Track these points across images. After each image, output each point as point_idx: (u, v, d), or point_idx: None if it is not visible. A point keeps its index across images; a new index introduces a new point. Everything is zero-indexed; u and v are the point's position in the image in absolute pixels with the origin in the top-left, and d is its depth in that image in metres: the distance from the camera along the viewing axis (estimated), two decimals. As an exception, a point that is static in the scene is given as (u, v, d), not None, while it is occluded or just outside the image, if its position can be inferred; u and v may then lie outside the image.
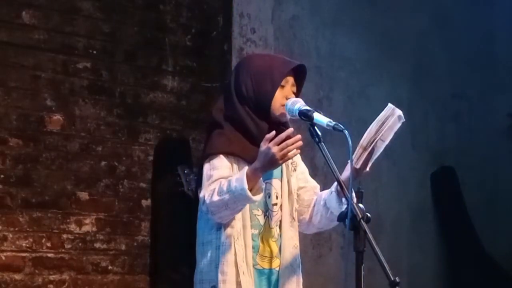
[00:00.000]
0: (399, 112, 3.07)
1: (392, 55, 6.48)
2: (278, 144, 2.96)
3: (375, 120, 3.07)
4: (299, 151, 3.03)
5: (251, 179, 2.98)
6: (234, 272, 3.09)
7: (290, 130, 3.01)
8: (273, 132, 2.99)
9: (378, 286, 3.29)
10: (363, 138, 3.08)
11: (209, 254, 3.14)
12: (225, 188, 3.01)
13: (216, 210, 3.05)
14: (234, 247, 3.09)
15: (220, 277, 3.08)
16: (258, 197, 3.02)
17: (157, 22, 5.17)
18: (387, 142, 3.11)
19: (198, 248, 3.21)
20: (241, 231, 3.11)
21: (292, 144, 2.97)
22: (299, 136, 2.99)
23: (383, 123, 3.06)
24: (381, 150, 3.12)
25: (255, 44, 5.60)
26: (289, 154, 2.98)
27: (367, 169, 3.13)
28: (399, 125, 3.09)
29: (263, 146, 2.98)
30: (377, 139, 3.06)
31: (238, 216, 3.10)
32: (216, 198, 3.02)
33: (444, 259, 6.89)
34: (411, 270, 6.45)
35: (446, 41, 6.92)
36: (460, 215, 6.88)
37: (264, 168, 3.00)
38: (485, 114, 7.15)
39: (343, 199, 3.12)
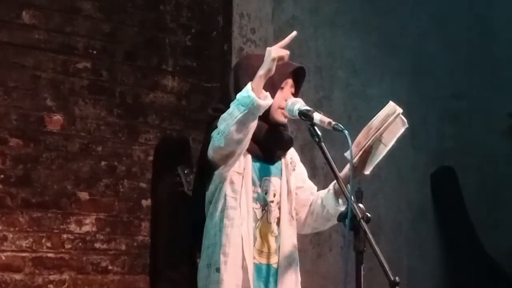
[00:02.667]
0: (400, 110, 3.07)
1: (392, 55, 6.49)
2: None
3: (375, 117, 3.08)
4: (293, 163, 3.10)
5: (255, 86, 2.99)
6: (239, 255, 3.09)
7: (294, 33, 3.11)
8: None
9: (378, 286, 3.29)
10: (359, 135, 3.09)
11: (213, 237, 3.15)
12: (231, 106, 3.03)
13: (224, 126, 3.03)
14: (240, 230, 3.09)
15: (222, 258, 3.09)
16: (265, 103, 3.02)
17: (157, 22, 5.17)
18: (389, 147, 3.11)
19: (204, 234, 3.22)
20: (245, 216, 3.12)
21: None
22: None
23: (383, 121, 3.06)
24: (383, 154, 3.12)
25: (255, 44, 5.60)
26: (283, 53, 3.03)
27: (367, 172, 3.14)
28: (402, 130, 3.09)
29: None
30: (376, 135, 3.06)
31: (242, 200, 3.10)
32: (224, 115, 3.04)
33: (444, 259, 6.89)
34: (411, 270, 6.45)
35: (446, 41, 6.92)
36: (460, 215, 6.88)
37: (264, 68, 3.01)
38: (485, 114, 7.15)
39: (340, 199, 3.14)
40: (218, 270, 3.11)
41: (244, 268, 3.09)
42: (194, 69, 5.32)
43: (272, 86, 3.16)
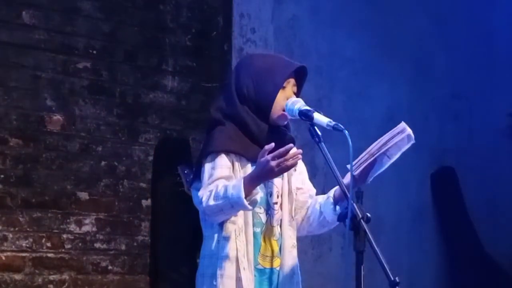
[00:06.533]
0: (409, 131, 3.09)
1: (392, 55, 6.48)
2: (277, 158, 2.96)
3: (384, 135, 3.10)
4: (297, 163, 3.06)
5: (248, 187, 2.99)
6: (234, 267, 3.09)
7: (290, 146, 3.00)
8: (272, 144, 2.99)
9: (378, 286, 3.29)
10: (370, 147, 3.10)
11: (210, 249, 3.15)
12: (221, 194, 3.01)
13: (211, 213, 3.07)
14: (236, 242, 3.09)
15: (218, 271, 3.09)
16: (252, 207, 3.04)
17: (157, 22, 5.17)
18: (393, 160, 3.14)
19: (203, 242, 3.22)
20: (242, 227, 3.12)
21: (291, 158, 2.97)
22: (299, 151, 3.00)
23: (392, 137, 3.08)
24: (386, 166, 3.15)
25: (255, 44, 5.60)
26: (288, 169, 3.00)
27: (368, 182, 3.16)
28: (407, 146, 3.11)
29: (262, 157, 2.99)
30: (381, 151, 3.08)
31: (240, 212, 3.11)
32: (212, 202, 3.04)
33: (444, 259, 6.89)
34: (411, 270, 6.45)
35: (446, 41, 6.91)
36: (460, 215, 6.88)
37: (261, 179, 3.03)
38: (485, 114, 7.14)
39: (338, 207, 3.15)
40: (214, 283, 3.12)
41: (238, 279, 3.09)
42: (194, 69, 5.32)
43: (274, 85, 3.16)
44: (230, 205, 3.00)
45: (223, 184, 3.04)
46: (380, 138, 3.10)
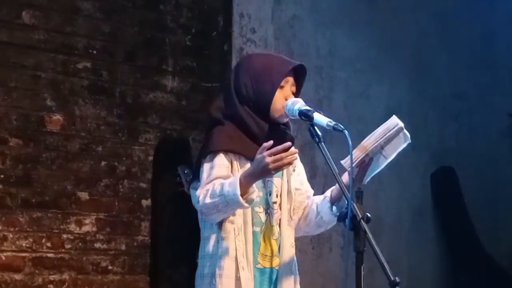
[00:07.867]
0: (401, 124, 3.08)
1: (392, 55, 6.48)
2: (274, 155, 2.96)
3: (376, 130, 3.09)
4: (294, 163, 3.08)
5: (244, 185, 2.99)
6: (234, 267, 3.09)
7: (288, 144, 3.00)
8: (271, 142, 2.99)
9: (378, 286, 3.29)
10: (358, 146, 3.09)
11: (209, 249, 3.16)
12: (217, 191, 3.02)
13: (208, 212, 3.07)
14: (235, 242, 3.10)
15: (217, 271, 3.10)
16: (248, 205, 3.04)
17: (157, 22, 5.17)
18: (389, 160, 3.13)
19: (201, 242, 3.22)
20: (241, 227, 3.12)
21: (287, 157, 2.97)
22: (295, 150, 3.00)
23: (385, 132, 3.07)
24: (382, 166, 3.14)
25: (255, 44, 5.60)
26: (283, 167, 3.00)
27: (365, 182, 3.16)
28: (404, 145, 3.11)
29: (259, 154, 2.99)
30: (375, 145, 3.07)
31: (239, 211, 3.11)
32: (208, 200, 3.04)
33: (444, 259, 6.89)
34: (411, 270, 6.45)
35: (446, 41, 6.92)
36: (460, 215, 6.88)
37: (256, 175, 3.02)
38: (485, 114, 7.15)
39: (335, 207, 3.15)
40: (214, 282, 3.12)
41: (237, 279, 3.10)
42: (194, 69, 5.32)
43: (272, 85, 3.16)
44: (226, 202, 3.00)
45: (220, 182, 3.04)
46: (372, 133, 3.09)
